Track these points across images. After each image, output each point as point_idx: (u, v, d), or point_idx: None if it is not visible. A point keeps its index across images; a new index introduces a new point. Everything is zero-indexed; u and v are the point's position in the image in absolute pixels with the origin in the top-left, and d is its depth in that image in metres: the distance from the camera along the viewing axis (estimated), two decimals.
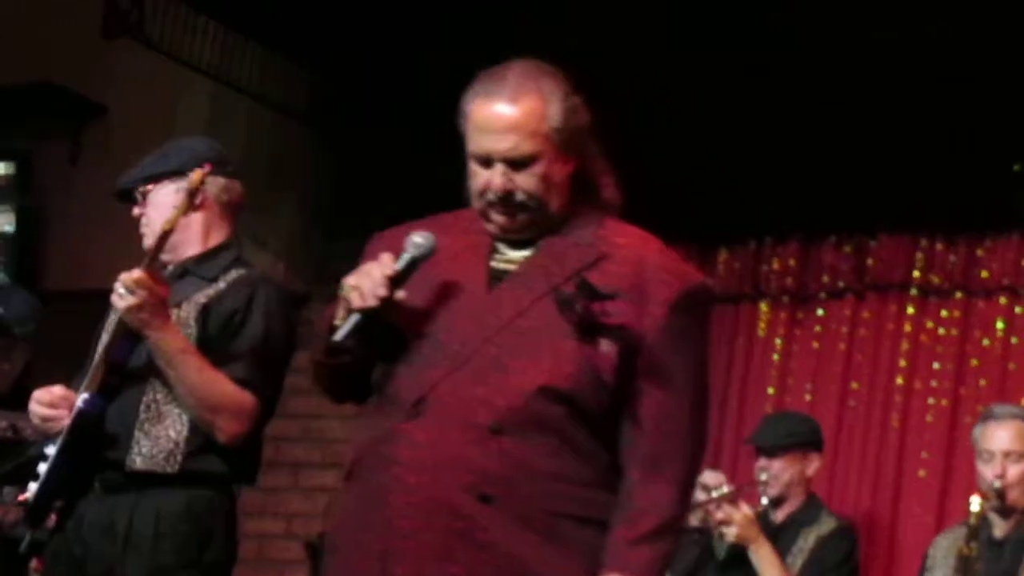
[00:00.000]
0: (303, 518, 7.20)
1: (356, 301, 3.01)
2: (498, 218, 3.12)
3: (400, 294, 3.02)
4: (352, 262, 7.75)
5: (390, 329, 3.08)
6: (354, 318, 3.03)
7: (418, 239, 3.07)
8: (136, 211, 4.38)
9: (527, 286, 3.07)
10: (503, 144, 3.07)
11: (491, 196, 3.09)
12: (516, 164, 3.07)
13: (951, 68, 5.89)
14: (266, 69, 6.91)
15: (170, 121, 7.11)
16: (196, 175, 4.12)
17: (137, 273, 4.08)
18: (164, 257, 4.32)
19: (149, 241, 4.31)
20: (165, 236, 4.15)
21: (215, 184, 4.32)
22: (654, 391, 3.05)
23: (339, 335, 3.04)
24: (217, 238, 4.36)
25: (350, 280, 3.04)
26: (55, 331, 6.90)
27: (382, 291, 3.00)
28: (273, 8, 6.68)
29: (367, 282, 3.01)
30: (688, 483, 3.14)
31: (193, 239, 4.32)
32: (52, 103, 7.52)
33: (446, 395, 2.99)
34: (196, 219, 4.31)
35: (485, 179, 3.09)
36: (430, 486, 2.95)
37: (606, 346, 3.00)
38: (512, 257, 3.14)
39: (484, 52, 6.29)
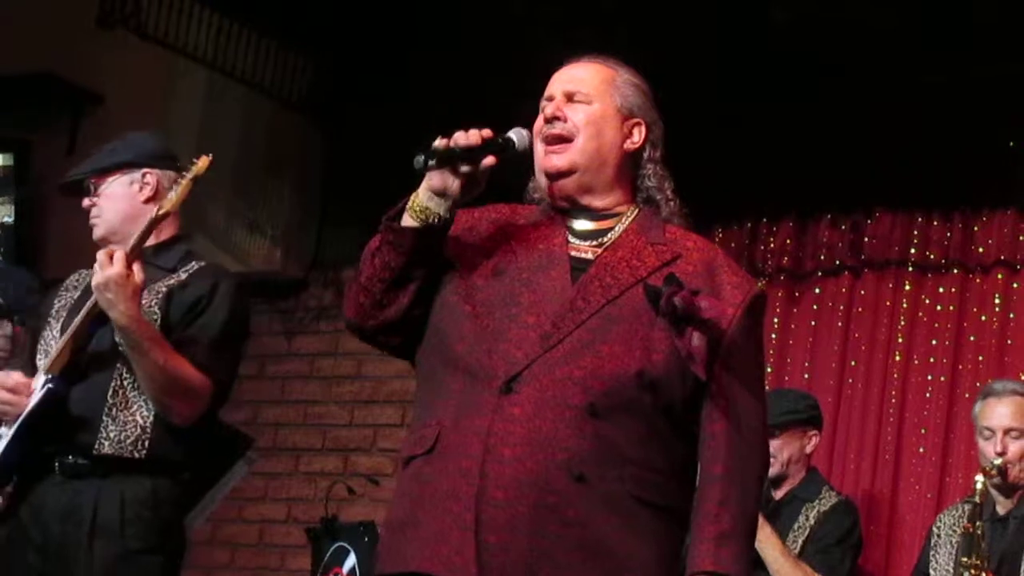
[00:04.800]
0: (304, 503, 7.22)
1: (460, 138, 3.09)
2: (548, 158, 3.24)
3: (489, 160, 3.10)
4: (348, 248, 7.76)
5: (439, 266, 3.18)
6: (449, 151, 3.09)
7: (521, 130, 3.20)
8: (86, 202, 4.49)
9: (614, 276, 3.14)
10: (567, 83, 3.28)
11: (544, 127, 3.24)
12: (573, 98, 3.25)
13: (946, 43, 5.89)
14: (262, 57, 6.92)
15: (166, 110, 7.13)
16: (202, 162, 4.23)
17: (118, 252, 4.13)
18: (115, 248, 4.37)
19: (100, 231, 4.43)
20: (159, 220, 4.26)
21: (167, 178, 4.44)
22: (734, 389, 3.13)
23: (431, 153, 3.08)
24: (170, 231, 4.47)
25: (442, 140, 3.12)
26: None
27: (487, 133, 3.12)
28: None
29: (467, 132, 3.11)
30: (764, 478, 3.24)
31: None
32: (49, 93, 7.54)
33: (541, 374, 3.03)
34: (148, 211, 4.39)
35: (543, 113, 3.27)
36: (525, 459, 2.99)
37: (697, 339, 3.05)
38: (585, 246, 3.22)
39: (482, 41, 6.36)
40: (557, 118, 3.23)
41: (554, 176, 3.24)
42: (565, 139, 3.23)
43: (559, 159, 3.23)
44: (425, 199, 3.12)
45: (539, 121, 3.27)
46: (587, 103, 3.25)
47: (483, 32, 6.36)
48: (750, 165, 6.31)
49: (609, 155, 3.25)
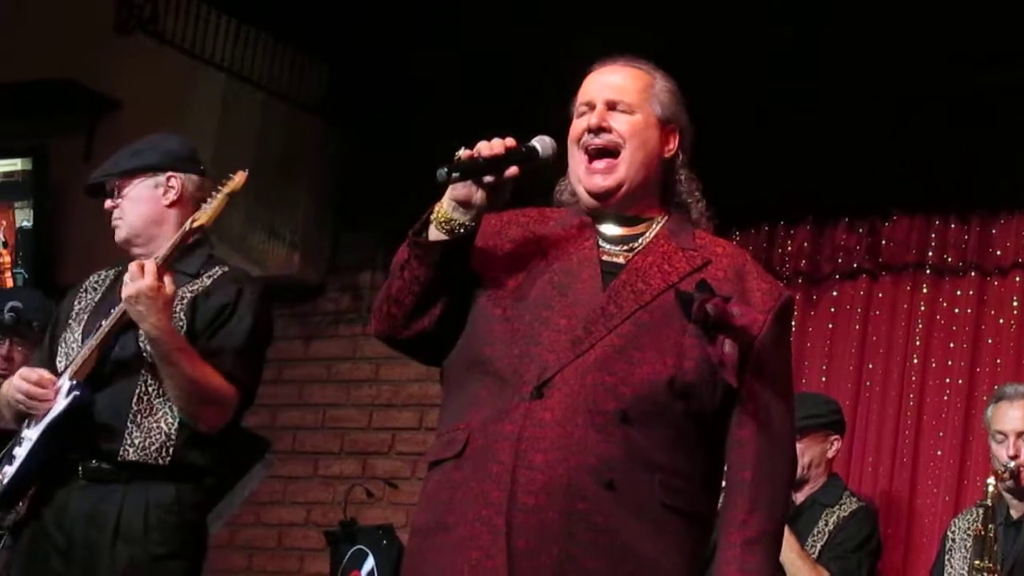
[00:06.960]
0: (322, 506, 7.23)
1: (484, 148, 3.08)
2: (589, 167, 3.22)
3: (513, 170, 3.09)
4: (365, 253, 7.76)
5: (464, 274, 3.15)
6: (472, 162, 3.07)
7: (544, 138, 3.16)
8: (108, 204, 4.48)
9: (645, 281, 3.13)
10: (608, 91, 3.25)
11: (586, 136, 3.21)
12: (615, 107, 3.22)
13: (962, 46, 5.89)
14: (279, 62, 6.94)
15: (183, 115, 7.14)
16: (239, 177, 4.26)
17: (149, 264, 4.14)
18: (137, 251, 4.40)
19: (122, 233, 4.43)
20: (192, 232, 4.27)
21: (190, 182, 4.44)
22: (764, 395, 3.13)
23: (455, 165, 3.05)
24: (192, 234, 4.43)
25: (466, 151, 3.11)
26: None
27: (511, 142, 3.09)
28: (285, 1, 6.71)
29: (491, 143, 3.09)
30: (791, 484, 3.26)
31: (169, 234, 4.39)
32: (67, 99, 7.56)
33: (573, 380, 3.02)
34: (171, 215, 4.43)
35: (584, 120, 3.23)
36: (556, 465, 2.98)
37: (729, 346, 3.05)
38: (616, 251, 3.21)
39: (499, 45, 6.36)
40: (603, 128, 3.21)
41: (601, 196, 3.22)
42: (610, 151, 3.21)
43: (604, 179, 3.21)
44: (449, 210, 3.10)
45: (577, 128, 3.25)
46: (629, 113, 3.22)
47: (500, 36, 6.37)
48: (767, 168, 6.30)
49: (651, 165, 3.23)
